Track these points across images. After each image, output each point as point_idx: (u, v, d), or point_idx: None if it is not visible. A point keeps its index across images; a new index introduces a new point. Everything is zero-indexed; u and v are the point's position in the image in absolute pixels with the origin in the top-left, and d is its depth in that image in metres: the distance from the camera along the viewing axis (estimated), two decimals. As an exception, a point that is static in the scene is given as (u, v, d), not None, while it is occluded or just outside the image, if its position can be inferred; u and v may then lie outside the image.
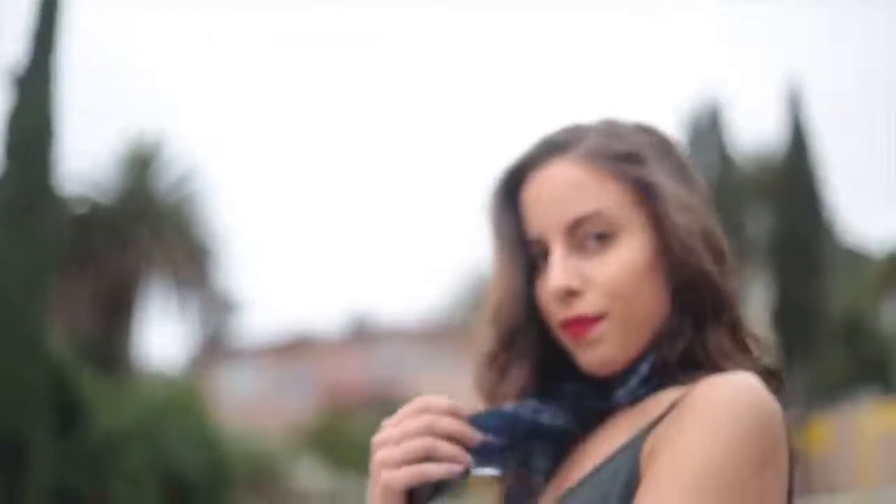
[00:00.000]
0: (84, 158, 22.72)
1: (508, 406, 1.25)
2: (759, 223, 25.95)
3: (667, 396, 1.21)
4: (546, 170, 1.28)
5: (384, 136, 67.74)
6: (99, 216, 23.24)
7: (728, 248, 1.28)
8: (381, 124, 69.04)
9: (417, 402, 1.18)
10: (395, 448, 1.15)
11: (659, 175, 1.26)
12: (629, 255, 1.24)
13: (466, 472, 1.17)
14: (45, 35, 16.00)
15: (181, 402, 19.44)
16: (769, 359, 1.28)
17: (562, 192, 1.26)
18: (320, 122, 68.24)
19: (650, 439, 1.17)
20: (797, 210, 24.61)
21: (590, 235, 1.25)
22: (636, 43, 67.50)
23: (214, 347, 30.04)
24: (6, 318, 14.91)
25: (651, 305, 1.25)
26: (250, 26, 67.15)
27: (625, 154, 1.27)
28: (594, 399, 1.28)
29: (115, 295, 22.38)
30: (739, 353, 1.25)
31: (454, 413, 1.18)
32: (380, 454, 1.16)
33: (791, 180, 24.80)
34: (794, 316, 22.92)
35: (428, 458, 1.15)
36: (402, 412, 1.18)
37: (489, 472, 1.21)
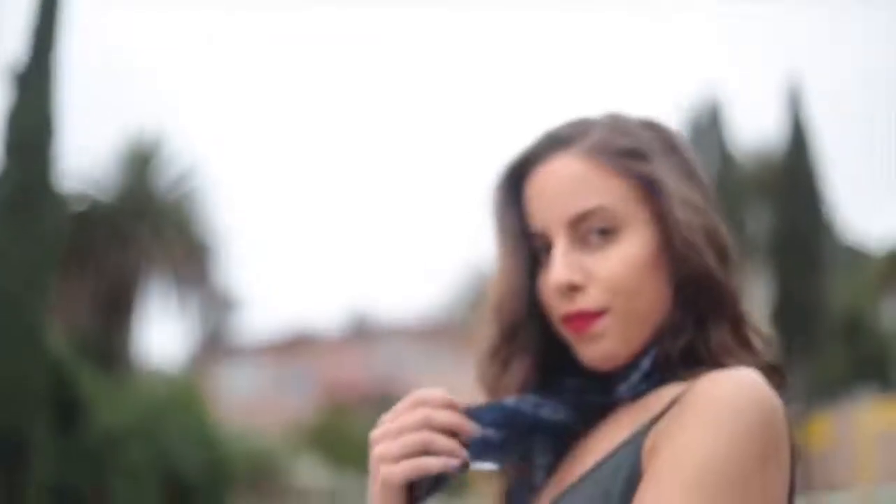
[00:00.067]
0: (84, 156, 22.73)
1: (509, 400, 1.25)
2: (759, 221, 25.96)
3: (668, 392, 1.21)
4: (550, 164, 1.28)
5: (384, 134, 67.78)
6: (99, 214, 23.24)
7: (732, 245, 1.28)
8: (381, 123, 69.06)
9: (413, 396, 1.19)
10: (393, 443, 1.16)
11: (662, 171, 1.26)
12: (631, 250, 1.24)
13: (465, 466, 1.17)
14: (45, 33, 16.00)
15: (181, 399, 19.45)
16: (771, 355, 1.27)
17: (565, 187, 1.26)
18: (320, 121, 68.26)
19: (651, 435, 1.16)
20: (797, 208, 24.63)
21: (592, 230, 1.25)
22: (636, 43, 67.51)
23: (214, 345, 30.06)
24: (6, 315, 14.92)
25: (653, 301, 1.25)
26: (250, 26, 67.16)
27: (629, 149, 1.27)
28: (595, 394, 1.27)
29: (115, 292, 22.39)
30: (742, 349, 1.25)
31: (450, 406, 1.18)
32: (378, 449, 1.17)
33: (791, 178, 24.82)
34: (793, 313, 22.92)
35: (426, 451, 1.15)
36: (398, 407, 1.19)
37: (488, 466, 1.21)
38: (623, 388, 1.26)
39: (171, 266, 23.79)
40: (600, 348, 1.25)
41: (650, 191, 1.26)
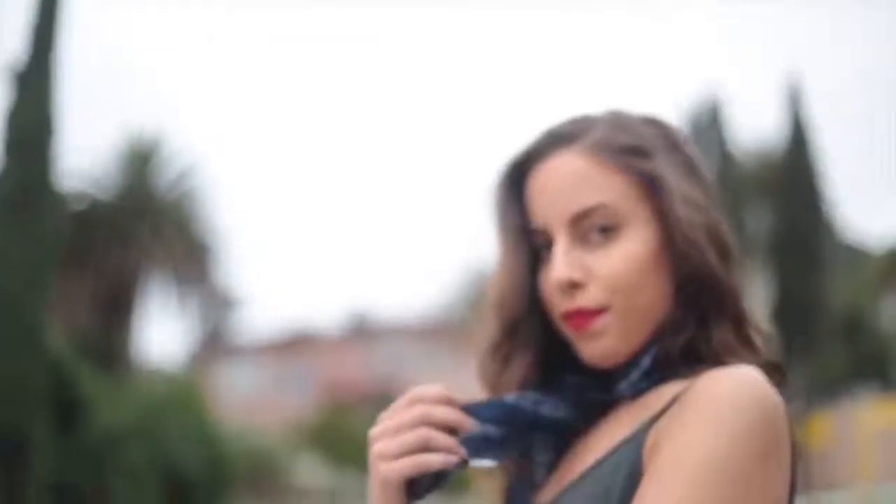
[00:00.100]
0: (84, 155, 22.69)
1: (509, 397, 1.25)
2: (759, 220, 25.95)
3: (669, 390, 1.21)
4: (552, 161, 1.28)
5: (384, 133, 67.78)
6: (99, 213, 23.23)
7: (733, 243, 1.28)
8: (381, 123, 69.06)
9: (411, 393, 1.19)
10: (392, 440, 1.16)
11: (664, 169, 1.26)
12: (632, 248, 1.24)
13: (465, 463, 1.17)
14: (45, 32, 16.00)
15: (181, 398, 19.46)
16: (772, 353, 1.27)
17: (567, 184, 1.26)
18: (320, 121, 68.25)
19: (652, 433, 1.16)
20: (797, 207, 24.63)
21: (594, 228, 1.25)
22: (636, 43, 67.52)
23: (214, 344, 30.05)
24: (6, 314, 14.92)
25: (653, 299, 1.25)
26: (250, 26, 67.15)
27: (631, 147, 1.27)
28: (596, 392, 1.27)
29: (115, 291, 22.38)
30: (743, 347, 1.25)
31: (448, 401, 1.18)
32: (377, 447, 1.17)
33: (791, 177, 24.82)
34: (793, 312, 22.92)
35: (425, 448, 1.15)
36: (396, 404, 1.19)
37: (488, 462, 1.21)
38: (623, 386, 1.26)
39: (171, 265, 23.79)
40: (600, 346, 1.25)
41: (652, 188, 1.25)
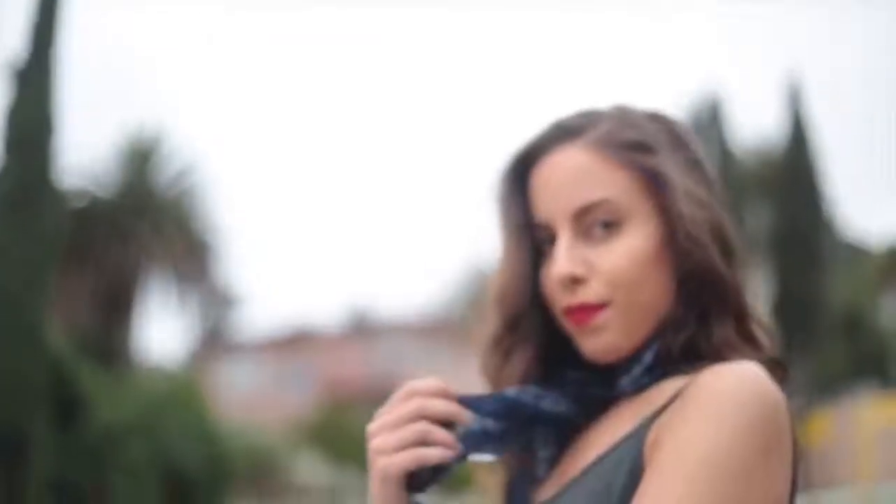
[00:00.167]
0: (84, 152, 22.67)
1: (510, 391, 1.25)
2: (759, 218, 25.95)
3: (670, 386, 1.21)
4: (556, 155, 1.28)
5: (384, 132, 67.76)
6: (98, 210, 23.22)
7: (736, 240, 1.28)
8: (381, 121, 69.06)
9: (407, 387, 1.19)
10: (390, 435, 1.16)
11: (668, 165, 1.26)
12: (635, 243, 1.24)
13: (463, 457, 1.17)
14: (44, 29, 15.99)
15: (181, 396, 19.45)
16: (774, 349, 1.27)
17: (570, 179, 1.26)
18: (320, 120, 68.24)
19: (654, 428, 1.16)
20: (797, 204, 24.63)
21: (597, 223, 1.25)
22: (636, 43, 67.51)
23: (214, 341, 30.04)
24: (5, 311, 14.92)
25: (655, 295, 1.25)
26: (250, 26, 67.14)
27: (635, 143, 1.27)
28: (597, 387, 1.27)
29: (115, 289, 22.38)
30: (745, 343, 1.25)
31: (444, 394, 1.18)
32: (375, 442, 1.17)
33: (791, 175, 24.82)
34: (793, 310, 22.91)
35: (423, 442, 1.16)
36: (392, 399, 1.19)
37: (487, 457, 1.21)
38: (625, 382, 1.26)
39: (171, 262, 23.77)
40: (601, 341, 1.25)
41: (655, 184, 1.25)
